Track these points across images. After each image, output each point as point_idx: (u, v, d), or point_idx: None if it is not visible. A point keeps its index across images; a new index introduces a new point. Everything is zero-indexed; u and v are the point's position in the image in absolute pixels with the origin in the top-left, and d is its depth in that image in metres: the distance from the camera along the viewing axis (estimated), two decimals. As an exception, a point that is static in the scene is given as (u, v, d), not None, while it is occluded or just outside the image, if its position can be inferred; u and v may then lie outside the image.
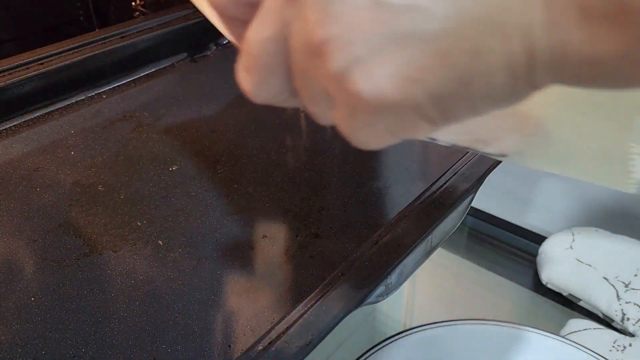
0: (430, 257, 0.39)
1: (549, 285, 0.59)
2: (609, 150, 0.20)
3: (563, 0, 0.14)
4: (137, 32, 0.60)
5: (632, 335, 0.56)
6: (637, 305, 0.54)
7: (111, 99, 0.56)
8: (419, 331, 0.44)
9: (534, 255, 0.71)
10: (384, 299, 0.34)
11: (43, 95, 0.53)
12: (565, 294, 0.58)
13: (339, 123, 0.19)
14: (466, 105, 0.16)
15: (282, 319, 0.28)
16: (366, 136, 0.18)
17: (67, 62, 0.55)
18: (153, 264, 0.37)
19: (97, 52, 0.57)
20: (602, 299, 0.55)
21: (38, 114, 0.53)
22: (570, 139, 0.20)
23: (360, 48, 0.16)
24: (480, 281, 0.73)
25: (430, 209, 0.34)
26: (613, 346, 0.54)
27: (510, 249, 0.78)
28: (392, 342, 0.43)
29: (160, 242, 0.39)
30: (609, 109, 0.19)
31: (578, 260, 0.59)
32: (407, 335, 0.44)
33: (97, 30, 0.61)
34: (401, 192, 0.43)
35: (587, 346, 0.47)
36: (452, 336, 0.44)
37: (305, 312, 0.28)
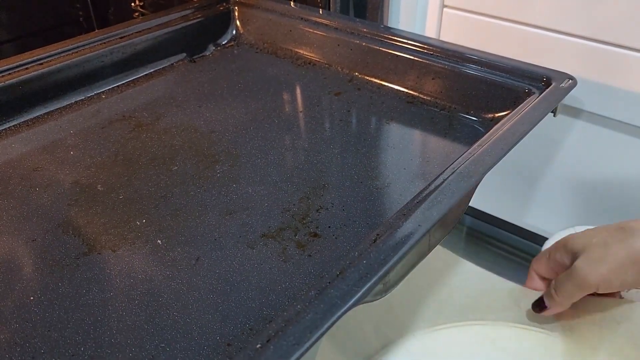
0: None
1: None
2: None
3: None
4: (137, 32, 0.60)
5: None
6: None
7: (110, 99, 0.56)
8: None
9: (533, 255, 0.71)
10: (382, 297, 0.35)
11: (42, 96, 0.54)
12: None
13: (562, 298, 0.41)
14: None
15: (280, 317, 0.28)
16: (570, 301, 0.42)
17: (67, 62, 0.55)
18: (152, 263, 0.37)
19: (96, 52, 0.57)
20: (602, 298, 0.55)
21: (37, 114, 0.53)
22: None
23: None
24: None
25: (429, 207, 0.34)
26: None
27: (509, 249, 0.78)
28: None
29: (159, 242, 0.39)
30: None
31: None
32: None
33: (96, 30, 0.61)
34: (399, 190, 0.43)
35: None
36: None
37: (304, 310, 0.28)
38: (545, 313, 0.43)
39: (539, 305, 0.43)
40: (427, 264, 0.39)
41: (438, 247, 0.41)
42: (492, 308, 0.45)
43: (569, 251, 0.42)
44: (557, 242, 0.45)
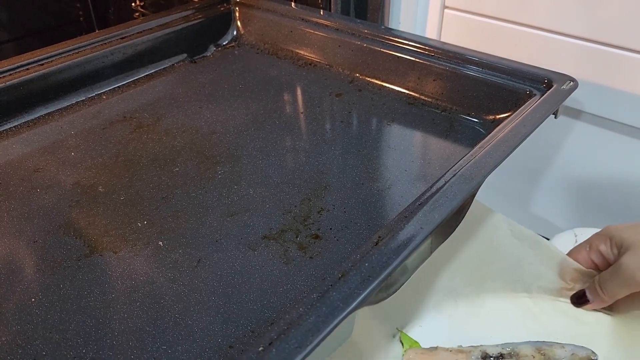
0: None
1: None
2: None
3: None
4: (137, 33, 0.60)
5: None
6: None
7: (111, 100, 0.56)
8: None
9: (533, 255, 0.71)
10: (385, 299, 0.35)
11: (43, 96, 0.54)
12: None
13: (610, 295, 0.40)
14: None
15: (283, 320, 0.28)
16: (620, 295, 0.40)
17: (67, 63, 0.55)
18: (153, 265, 0.37)
19: (97, 53, 0.57)
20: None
21: (38, 115, 0.53)
22: None
23: None
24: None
25: (430, 210, 0.34)
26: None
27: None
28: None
29: (161, 243, 0.39)
30: None
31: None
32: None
33: (97, 31, 0.61)
34: (401, 192, 0.43)
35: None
36: None
37: (306, 313, 0.28)
38: (587, 307, 0.41)
39: (580, 299, 0.41)
40: (465, 218, 0.37)
41: (474, 201, 0.39)
42: (536, 277, 0.43)
43: (616, 245, 0.41)
44: (598, 233, 0.43)
